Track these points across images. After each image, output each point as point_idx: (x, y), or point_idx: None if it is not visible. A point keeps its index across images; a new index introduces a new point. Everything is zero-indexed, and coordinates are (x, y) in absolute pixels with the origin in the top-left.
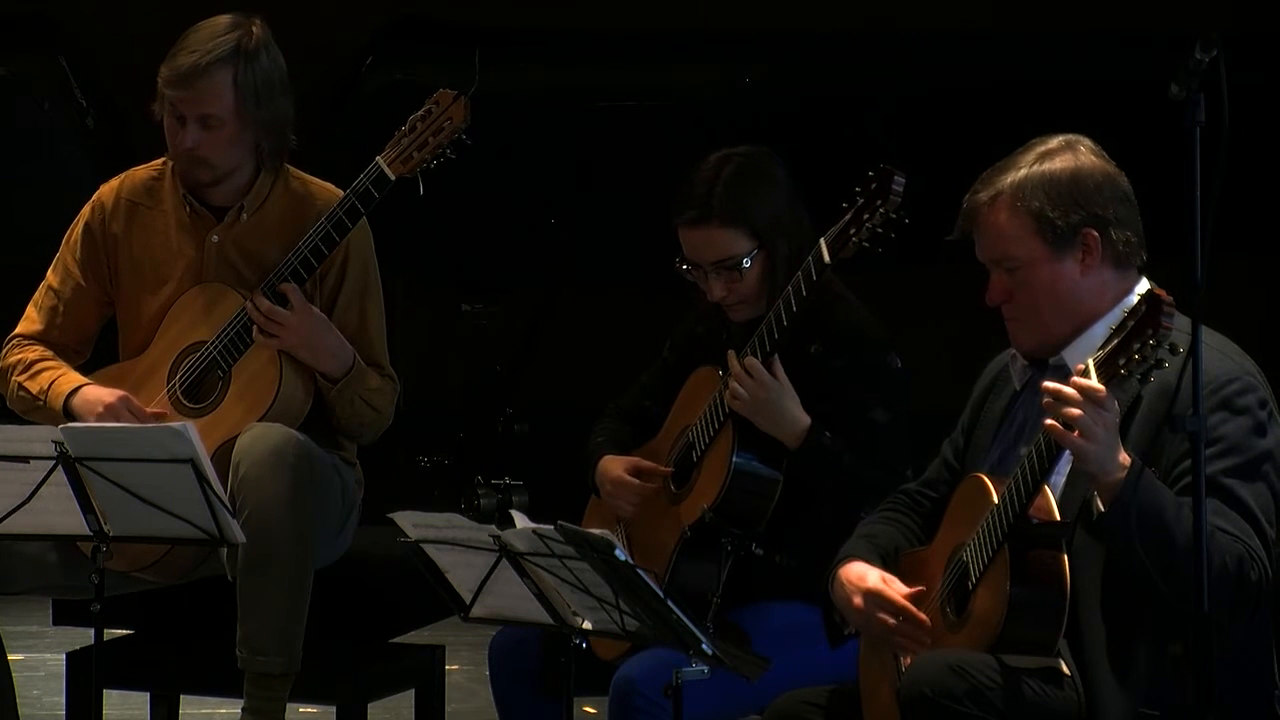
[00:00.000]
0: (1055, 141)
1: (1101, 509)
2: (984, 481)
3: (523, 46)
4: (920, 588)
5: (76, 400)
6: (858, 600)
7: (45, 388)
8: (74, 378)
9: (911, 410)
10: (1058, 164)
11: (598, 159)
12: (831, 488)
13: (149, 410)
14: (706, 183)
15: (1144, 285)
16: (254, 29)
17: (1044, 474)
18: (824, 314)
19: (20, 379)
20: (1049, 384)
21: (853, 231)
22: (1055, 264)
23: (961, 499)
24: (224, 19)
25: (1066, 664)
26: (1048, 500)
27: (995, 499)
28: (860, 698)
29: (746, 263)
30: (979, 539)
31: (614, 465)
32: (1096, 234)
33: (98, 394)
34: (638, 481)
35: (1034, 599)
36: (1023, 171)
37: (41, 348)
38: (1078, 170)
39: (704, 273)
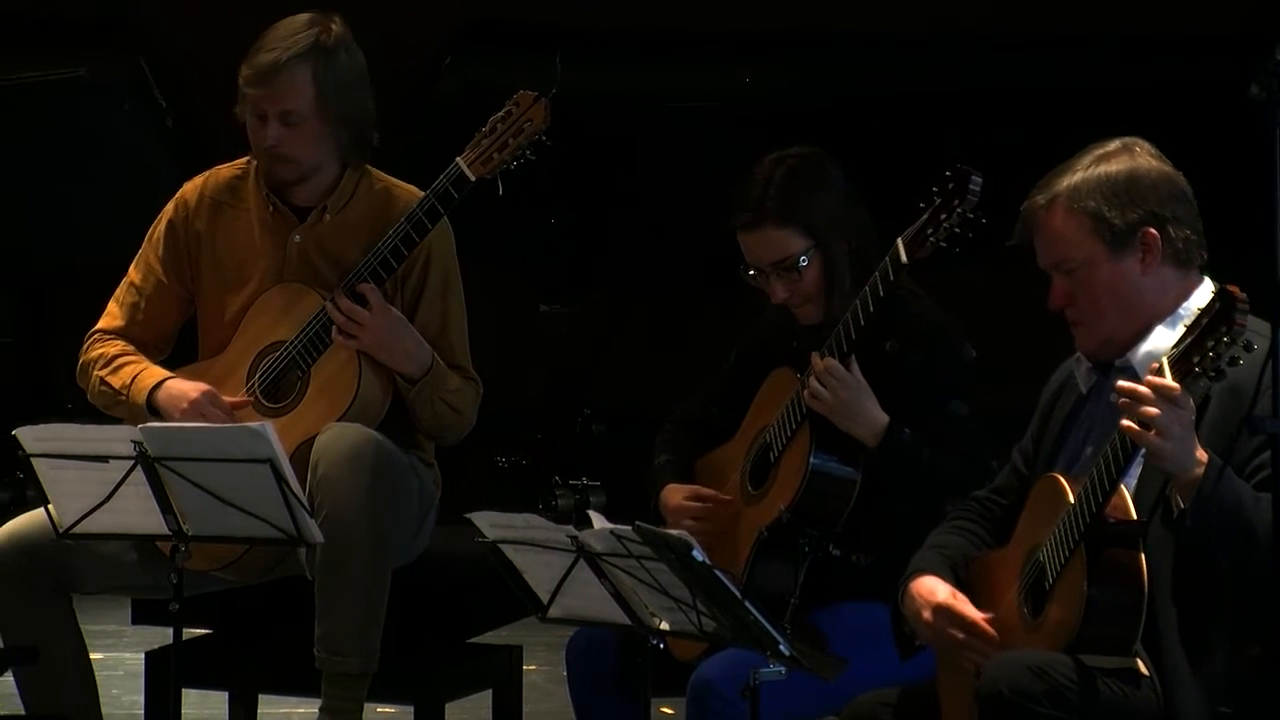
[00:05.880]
0: (1113, 145)
1: (1182, 506)
2: (1060, 482)
3: (600, 47)
4: (989, 615)
5: (160, 395)
6: (927, 615)
7: (128, 383)
8: (157, 372)
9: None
10: (1114, 165)
11: (675, 159)
12: (912, 484)
13: (231, 401)
14: (759, 185)
15: (1207, 284)
16: (333, 26)
17: (1120, 473)
18: (896, 311)
19: (102, 373)
20: (1124, 384)
21: (930, 231)
22: (1115, 264)
23: (1037, 499)
24: (303, 17)
25: (1144, 664)
26: (1124, 499)
27: (1071, 499)
28: (938, 698)
29: (803, 261)
30: (1055, 539)
31: (674, 495)
32: (1155, 232)
33: (182, 388)
34: (697, 505)
35: (1111, 599)
36: (1079, 174)
37: (122, 343)
38: (1134, 170)
39: (765, 276)
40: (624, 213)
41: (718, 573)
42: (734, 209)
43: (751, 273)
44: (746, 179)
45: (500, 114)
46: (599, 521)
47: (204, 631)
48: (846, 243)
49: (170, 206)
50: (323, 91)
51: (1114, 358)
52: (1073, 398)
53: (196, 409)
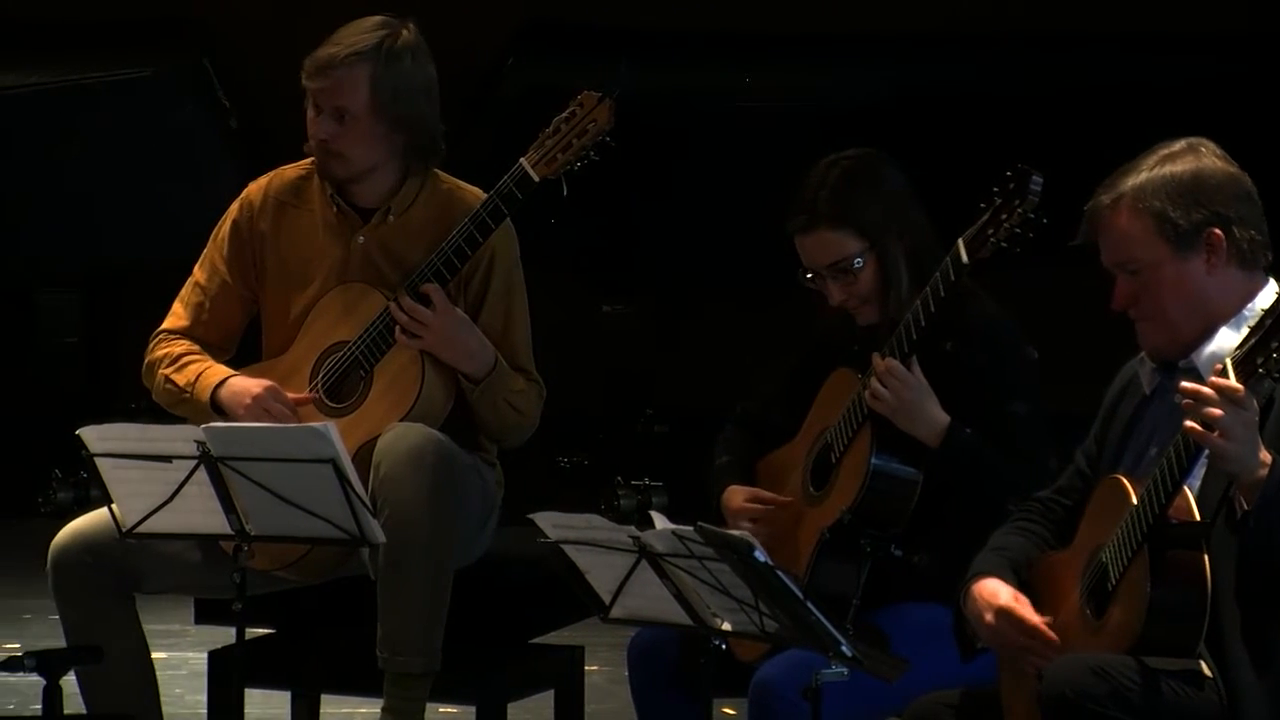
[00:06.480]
0: (1178, 145)
1: (1245, 507)
2: (1123, 482)
3: (662, 47)
4: (1050, 619)
5: (224, 392)
6: (989, 618)
7: (192, 380)
8: (221, 370)
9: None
10: (1179, 166)
11: (740, 159)
12: (973, 484)
13: (294, 397)
14: (813, 188)
15: (1272, 285)
16: (404, 32)
17: (1183, 474)
18: (957, 311)
19: (167, 371)
20: (1187, 384)
21: (991, 232)
22: (1179, 264)
23: (1100, 500)
24: (376, 18)
25: (1208, 665)
26: (1187, 500)
27: (1134, 500)
28: (1000, 700)
29: (858, 263)
30: (1118, 540)
31: (735, 497)
32: (1220, 233)
33: (245, 385)
34: (758, 508)
35: (1174, 600)
36: (1144, 174)
37: (187, 342)
38: (1199, 171)
39: (821, 278)
40: (685, 212)
41: (780, 573)
42: (790, 213)
43: (809, 276)
44: (801, 182)
45: (564, 114)
46: (661, 522)
47: (267, 631)
48: (902, 244)
49: (235, 206)
50: (378, 93)
51: (1178, 358)
52: (1136, 398)
53: (260, 404)
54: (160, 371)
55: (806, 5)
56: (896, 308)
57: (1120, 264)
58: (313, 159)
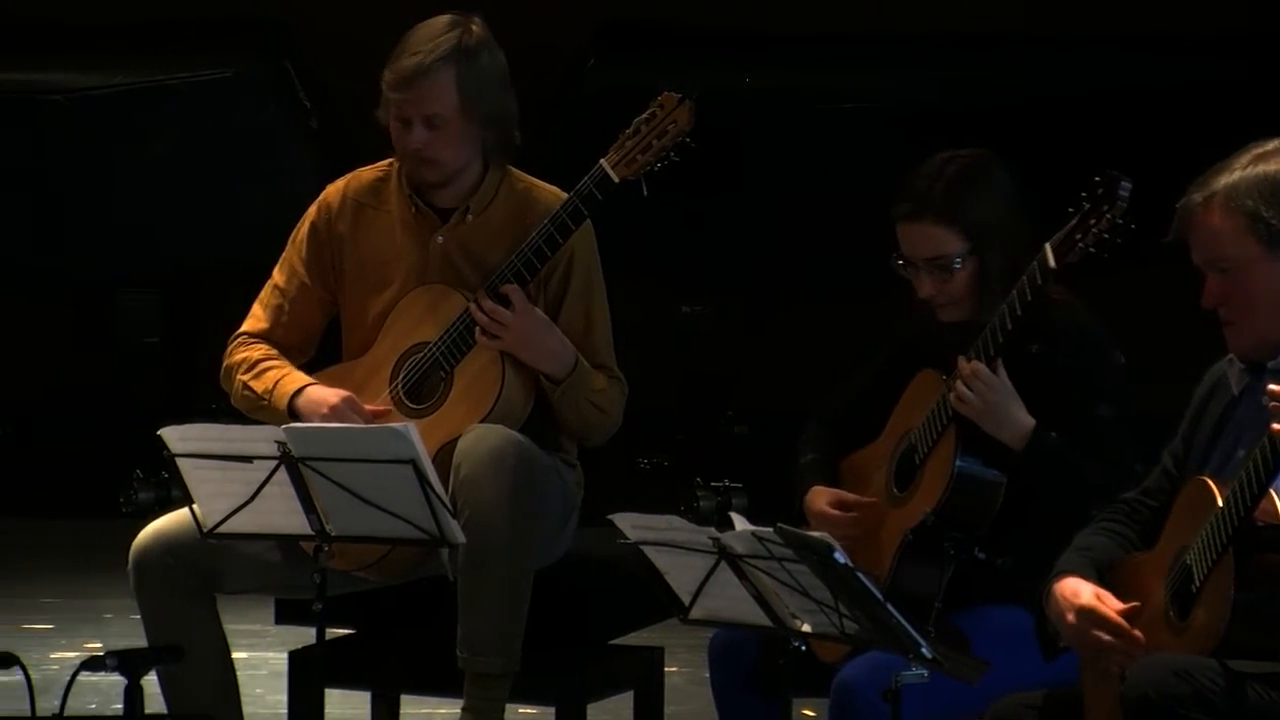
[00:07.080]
0: (1272, 144)
1: None
2: (1208, 485)
3: (743, 49)
4: (1135, 604)
5: (301, 401)
6: (1071, 617)
7: (270, 387)
8: (298, 378)
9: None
10: (1272, 165)
11: (820, 161)
12: (1058, 487)
13: (371, 409)
14: (927, 179)
15: None
16: (473, 27)
17: (1269, 476)
18: (1043, 314)
19: (245, 378)
20: (1274, 386)
21: (1079, 237)
22: (1270, 264)
23: (1185, 502)
24: (443, 19)
25: None
26: (1273, 503)
27: (1220, 502)
28: (1082, 701)
29: (957, 263)
30: (1203, 542)
31: (818, 499)
32: None
33: (322, 395)
34: (840, 514)
35: (1259, 603)
36: (1237, 173)
37: (266, 346)
38: None
39: (916, 269)
40: (764, 213)
41: (859, 575)
42: (898, 198)
43: (901, 262)
44: (915, 170)
45: (644, 115)
46: (740, 523)
47: (347, 631)
48: (1003, 251)
49: (313, 209)
50: (465, 93)
51: (1267, 359)
52: (1225, 399)
53: (336, 415)
54: (238, 377)
55: (885, 6)
56: (985, 311)
57: (1211, 262)
58: (391, 160)
